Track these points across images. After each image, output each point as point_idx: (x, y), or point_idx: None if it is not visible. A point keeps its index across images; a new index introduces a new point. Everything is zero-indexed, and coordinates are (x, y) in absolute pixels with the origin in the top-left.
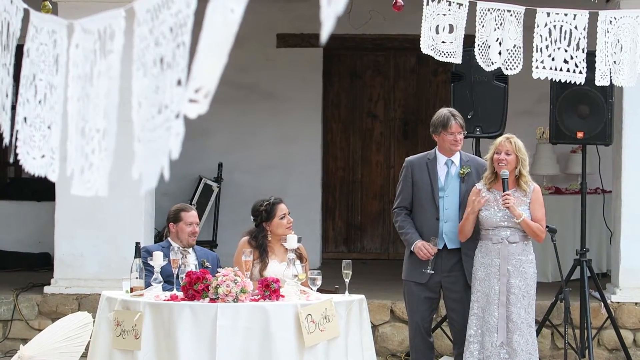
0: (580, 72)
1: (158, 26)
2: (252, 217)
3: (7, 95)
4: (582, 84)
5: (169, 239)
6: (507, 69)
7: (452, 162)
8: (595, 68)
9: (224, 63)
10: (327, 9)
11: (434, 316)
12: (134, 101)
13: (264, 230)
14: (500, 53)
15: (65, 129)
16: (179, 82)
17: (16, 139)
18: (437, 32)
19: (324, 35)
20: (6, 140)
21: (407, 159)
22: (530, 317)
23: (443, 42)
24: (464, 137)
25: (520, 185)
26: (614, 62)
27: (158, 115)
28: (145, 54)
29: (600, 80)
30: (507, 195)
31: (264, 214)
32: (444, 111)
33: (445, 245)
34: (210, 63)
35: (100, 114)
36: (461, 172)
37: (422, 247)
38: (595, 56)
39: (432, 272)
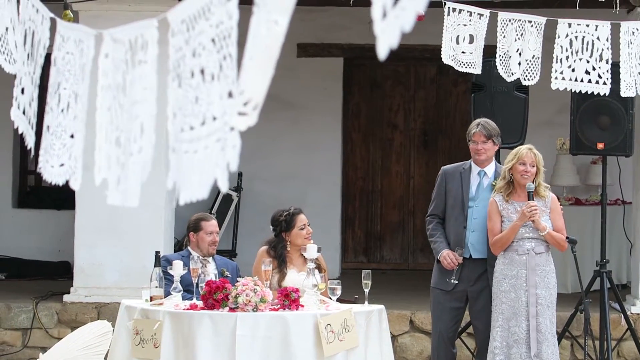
0: (605, 83)
1: (195, 37)
2: (271, 227)
3: (29, 104)
4: (607, 94)
5: (189, 248)
6: (525, 79)
7: (485, 173)
8: (619, 79)
9: (271, 75)
10: (382, 23)
11: (458, 327)
12: (168, 112)
13: (283, 240)
14: (519, 64)
15: (91, 138)
16: (230, 94)
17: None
18: (458, 43)
19: (381, 51)
20: (30, 148)
21: (442, 167)
22: (553, 326)
23: (463, 52)
24: (499, 148)
25: (540, 193)
26: (639, 73)
27: (201, 127)
28: (181, 64)
29: (626, 92)
30: (536, 206)
31: (283, 224)
32: (475, 120)
33: (471, 255)
34: (257, 75)
35: (136, 123)
36: (494, 183)
37: (447, 257)
38: (618, 67)
39: (457, 282)
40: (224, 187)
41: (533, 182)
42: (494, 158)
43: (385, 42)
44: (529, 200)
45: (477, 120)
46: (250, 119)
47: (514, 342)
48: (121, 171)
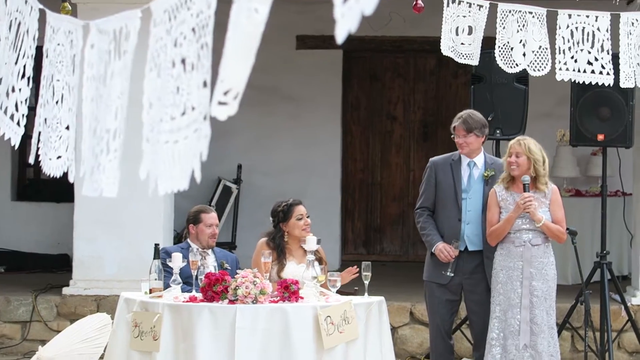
0: (608, 74)
1: (177, 26)
2: (270, 218)
3: (7, 95)
4: (611, 85)
5: (188, 240)
6: (533, 70)
7: (475, 163)
8: (618, 70)
9: (251, 64)
10: (342, 7)
11: (454, 318)
12: (144, 102)
13: (281, 231)
14: (524, 55)
15: (80, 130)
16: (205, 84)
17: (38, 140)
18: (457, 34)
19: (339, 35)
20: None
21: (431, 159)
22: (551, 319)
23: (462, 43)
24: (486, 140)
25: (537, 187)
26: (638, 63)
27: (182, 117)
28: (161, 54)
29: (625, 83)
30: (530, 198)
31: (281, 214)
32: (459, 113)
33: (466, 248)
34: (238, 64)
35: (111, 114)
36: (485, 174)
37: (443, 250)
38: (618, 58)
39: (452, 274)
40: (199, 178)
41: (531, 173)
42: (481, 148)
43: (345, 26)
44: (524, 192)
45: (460, 114)
46: (230, 108)
47: (510, 333)
48: (94, 161)
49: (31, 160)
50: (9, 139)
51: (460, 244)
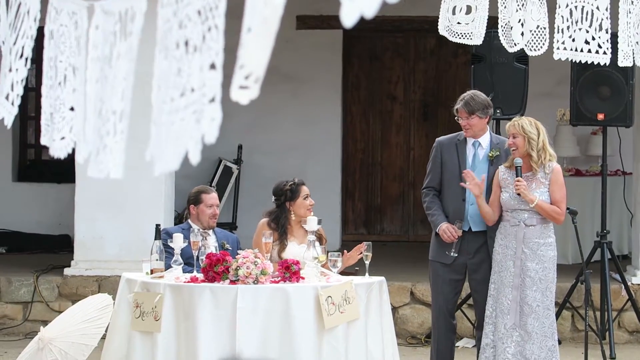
0: (605, 53)
1: (182, 8)
2: (273, 197)
3: (6, 76)
4: (607, 64)
5: (189, 220)
6: (531, 49)
7: (480, 143)
8: (617, 49)
9: (271, 47)
10: None
11: (457, 298)
12: (154, 84)
13: (286, 210)
14: (522, 34)
15: (85, 111)
16: (213, 66)
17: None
18: (454, 14)
19: (347, 19)
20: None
21: (437, 139)
22: (548, 300)
23: (458, 23)
24: (490, 120)
25: (531, 167)
26: (637, 42)
27: (180, 98)
28: (168, 36)
29: (623, 61)
30: (519, 181)
31: (288, 193)
32: (462, 95)
33: (470, 228)
34: (257, 48)
35: (117, 95)
36: (490, 154)
37: (447, 230)
38: (617, 37)
39: (456, 254)
40: (195, 160)
41: (529, 152)
42: (487, 128)
43: (355, 11)
44: (516, 174)
45: (463, 95)
46: (252, 92)
47: (500, 312)
48: (100, 142)
49: (44, 141)
50: (2, 118)
51: (464, 224)
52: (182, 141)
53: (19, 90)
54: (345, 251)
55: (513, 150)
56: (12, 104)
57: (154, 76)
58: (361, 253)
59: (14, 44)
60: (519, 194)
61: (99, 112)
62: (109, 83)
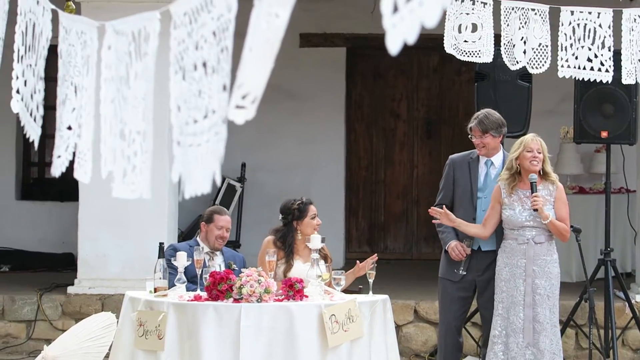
0: (607, 71)
1: (197, 29)
2: (281, 216)
3: (31, 97)
4: (609, 82)
5: (197, 238)
6: (532, 67)
7: (492, 162)
8: (620, 67)
9: (270, 69)
10: (392, 17)
11: (465, 316)
12: (172, 105)
13: (293, 229)
14: (525, 52)
15: (96, 131)
16: (224, 88)
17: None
18: (460, 32)
19: (392, 46)
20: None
21: (450, 156)
22: (554, 317)
23: (465, 41)
24: (504, 139)
25: (549, 177)
26: (639, 60)
27: (204, 120)
28: (184, 57)
29: (627, 79)
30: (537, 196)
31: (296, 212)
32: (477, 112)
33: (480, 247)
34: (257, 69)
35: (139, 116)
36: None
37: (455, 248)
38: (620, 55)
39: (464, 272)
40: (219, 180)
41: (540, 169)
42: (501, 147)
43: (398, 37)
44: (532, 190)
45: (477, 114)
46: (248, 112)
47: (512, 331)
48: (127, 164)
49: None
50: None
51: (474, 243)
52: (208, 163)
53: (42, 110)
54: (357, 261)
55: (535, 163)
56: (37, 123)
57: (170, 97)
58: (373, 264)
59: (35, 64)
60: (535, 210)
61: (121, 133)
62: (129, 103)
